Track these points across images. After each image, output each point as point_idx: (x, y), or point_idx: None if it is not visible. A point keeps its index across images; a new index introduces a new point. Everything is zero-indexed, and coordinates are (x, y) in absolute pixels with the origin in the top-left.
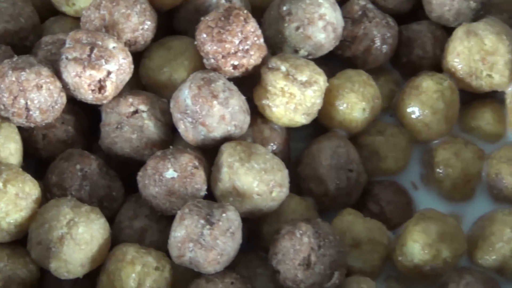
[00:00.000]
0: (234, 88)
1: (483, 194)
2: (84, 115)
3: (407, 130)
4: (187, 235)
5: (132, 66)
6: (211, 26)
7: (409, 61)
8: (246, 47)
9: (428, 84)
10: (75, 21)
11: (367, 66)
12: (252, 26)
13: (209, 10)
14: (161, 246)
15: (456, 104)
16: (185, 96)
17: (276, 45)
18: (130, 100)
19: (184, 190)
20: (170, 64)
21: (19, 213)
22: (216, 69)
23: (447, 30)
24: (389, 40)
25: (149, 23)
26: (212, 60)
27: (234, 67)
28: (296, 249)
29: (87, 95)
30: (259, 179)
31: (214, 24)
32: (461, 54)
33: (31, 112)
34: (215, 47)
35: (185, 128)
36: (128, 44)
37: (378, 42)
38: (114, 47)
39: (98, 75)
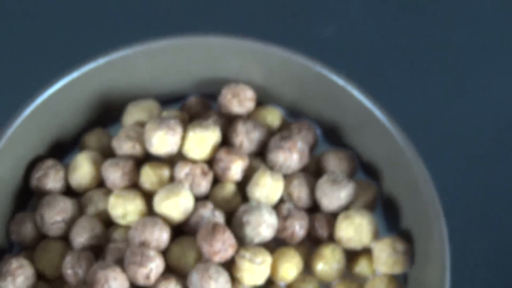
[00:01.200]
0: (221, 270)
1: None
2: None
3: (318, 276)
4: None
5: (164, 263)
6: (204, 236)
7: (315, 236)
8: (225, 247)
9: (326, 250)
10: (127, 229)
11: (293, 242)
12: (228, 234)
13: (204, 222)
14: None
15: (344, 257)
16: (195, 278)
17: (241, 237)
18: (163, 282)
19: None
20: (183, 256)
21: None
22: (210, 260)
23: (335, 216)
24: (304, 226)
25: (165, 235)
26: (207, 255)
27: (220, 258)
28: None
29: (140, 281)
30: None
31: (206, 234)
32: (342, 229)
33: None
34: (207, 248)
35: None
36: (156, 249)
37: (297, 229)
38: (153, 254)
39: (146, 271)
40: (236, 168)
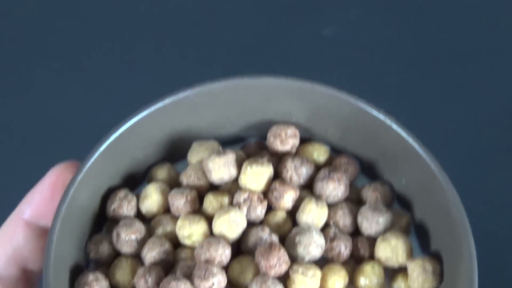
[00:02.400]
0: (277, 282)
1: None
2: None
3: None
4: None
5: (226, 277)
6: (261, 253)
7: (358, 255)
8: (280, 262)
9: (367, 267)
10: (192, 249)
11: (339, 261)
12: (282, 252)
13: (261, 242)
14: None
15: (383, 273)
16: None
17: (293, 255)
18: None
19: None
20: (243, 272)
21: None
22: (265, 274)
23: (375, 238)
24: (348, 247)
25: (227, 252)
26: (263, 270)
27: (275, 273)
28: None
29: None
30: None
31: (263, 252)
32: (381, 250)
33: None
34: (264, 264)
35: None
36: (219, 265)
37: (343, 249)
38: (216, 271)
39: (208, 284)
40: (288, 197)
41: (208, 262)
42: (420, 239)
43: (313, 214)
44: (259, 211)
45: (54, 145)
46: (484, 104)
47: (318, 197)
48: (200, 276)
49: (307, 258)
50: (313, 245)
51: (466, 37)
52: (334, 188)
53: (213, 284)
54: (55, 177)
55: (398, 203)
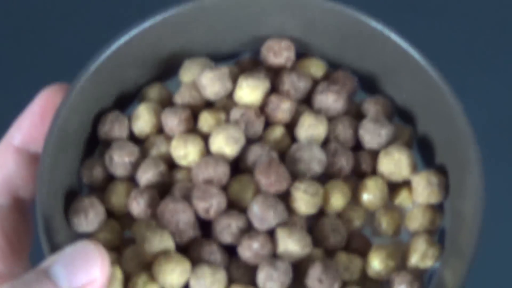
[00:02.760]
0: (278, 200)
1: None
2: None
3: (364, 205)
4: None
5: (226, 198)
6: (261, 170)
7: (360, 171)
8: (280, 179)
9: (370, 182)
10: (188, 170)
11: (341, 176)
12: (282, 169)
13: (260, 159)
14: None
15: (386, 188)
16: (255, 209)
17: (294, 172)
18: (226, 218)
19: None
20: (243, 191)
21: None
22: (266, 192)
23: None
24: (350, 162)
25: (226, 170)
26: (264, 188)
27: (275, 190)
28: None
29: (201, 215)
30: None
31: (263, 169)
32: (384, 164)
33: (180, 225)
34: (264, 181)
35: (256, 225)
36: (218, 184)
37: (344, 164)
38: (215, 192)
39: (206, 205)
40: (284, 107)
41: (207, 182)
42: (424, 153)
43: (313, 128)
44: (257, 126)
45: (41, 67)
46: (485, 107)
47: (317, 111)
48: (199, 197)
49: (308, 175)
50: (314, 161)
51: (468, 37)
52: (334, 100)
53: (211, 205)
54: (44, 101)
55: (399, 118)
